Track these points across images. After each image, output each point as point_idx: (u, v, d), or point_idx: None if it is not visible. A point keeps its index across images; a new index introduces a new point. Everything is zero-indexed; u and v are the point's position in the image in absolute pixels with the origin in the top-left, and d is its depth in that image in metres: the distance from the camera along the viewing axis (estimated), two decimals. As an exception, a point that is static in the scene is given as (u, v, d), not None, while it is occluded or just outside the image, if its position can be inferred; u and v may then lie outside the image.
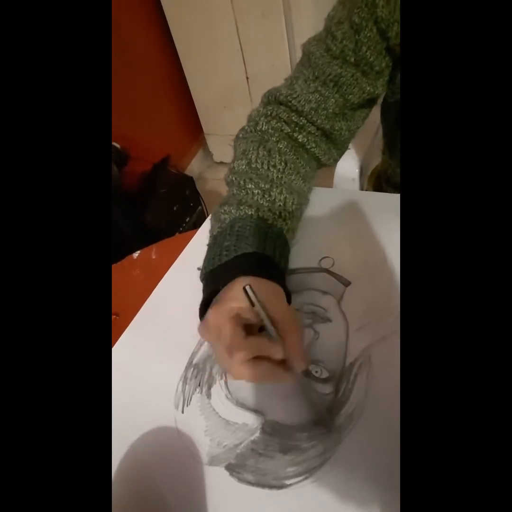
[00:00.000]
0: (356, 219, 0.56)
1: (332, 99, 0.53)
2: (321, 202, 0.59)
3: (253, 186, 0.50)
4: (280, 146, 0.54)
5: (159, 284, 0.56)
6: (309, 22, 1.49)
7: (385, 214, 0.55)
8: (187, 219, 1.63)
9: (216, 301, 0.40)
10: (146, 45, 1.74)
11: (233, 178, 0.52)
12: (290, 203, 0.50)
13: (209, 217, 0.54)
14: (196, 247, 0.58)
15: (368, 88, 0.53)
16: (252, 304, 0.37)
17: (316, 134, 0.56)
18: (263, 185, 0.49)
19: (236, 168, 0.53)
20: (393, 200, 0.57)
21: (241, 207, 0.48)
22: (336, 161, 0.61)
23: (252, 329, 0.39)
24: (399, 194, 0.57)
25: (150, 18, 1.69)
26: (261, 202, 0.49)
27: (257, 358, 0.36)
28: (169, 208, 1.56)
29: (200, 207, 1.71)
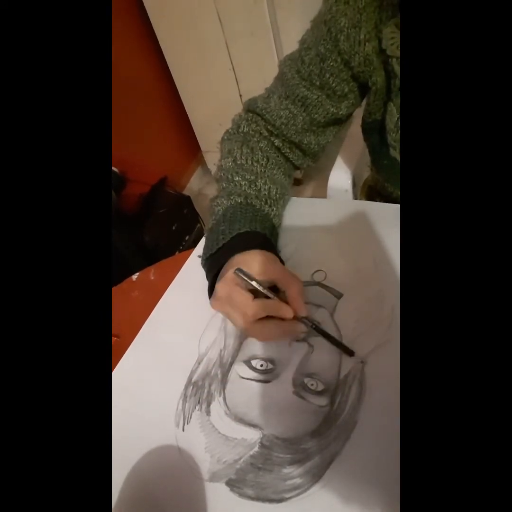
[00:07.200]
0: (346, 230, 0.57)
1: (300, 117, 0.58)
2: (312, 213, 0.60)
3: (240, 178, 0.55)
4: (261, 145, 0.60)
5: (157, 304, 0.58)
6: (297, 38, 1.52)
7: (375, 223, 0.56)
8: (187, 238, 1.66)
9: (220, 276, 0.45)
10: (140, 69, 1.78)
11: (222, 174, 0.58)
12: (274, 192, 0.56)
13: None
14: (194, 265, 0.59)
15: (331, 110, 0.57)
16: (251, 280, 0.42)
17: (289, 143, 0.61)
18: (249, 177, 0.55)
19: (223, 166, 0.58)
20: (382, 210, 0.58)
21: (231, 197, 0.53)
22: (309, 165, 0.67)
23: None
24: (387, 204, 0.59)
25: (143, 43, 1.74)
26: (249, 191, 0.54)
27: (268, 318, 0.42)
28: (168, 227, 1.58)
29: (198, 225, 1.73)
